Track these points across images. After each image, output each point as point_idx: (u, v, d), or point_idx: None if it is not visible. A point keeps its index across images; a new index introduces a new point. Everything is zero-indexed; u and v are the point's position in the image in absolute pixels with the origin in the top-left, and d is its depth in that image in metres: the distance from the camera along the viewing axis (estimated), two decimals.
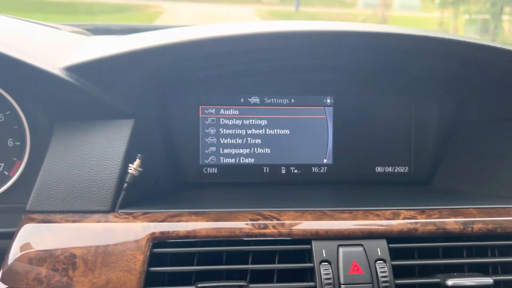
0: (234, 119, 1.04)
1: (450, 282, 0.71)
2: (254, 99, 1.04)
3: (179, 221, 0.72)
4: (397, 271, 0.71)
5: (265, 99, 1.04)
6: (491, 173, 0.94)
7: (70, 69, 0.76)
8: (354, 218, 0.75)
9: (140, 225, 0.71)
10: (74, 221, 0.72)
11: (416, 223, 0.75)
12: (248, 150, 1.04)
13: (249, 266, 0.71)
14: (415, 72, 0.98)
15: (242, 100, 1.04)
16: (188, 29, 0.80)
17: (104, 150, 0.78)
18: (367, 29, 0.77)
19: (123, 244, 0.69)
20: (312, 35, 0.78)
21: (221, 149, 1.04)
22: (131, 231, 0.70)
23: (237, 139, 1.04)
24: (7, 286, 0.67)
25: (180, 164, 1.02)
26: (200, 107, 1.03)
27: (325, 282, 0.68)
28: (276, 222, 0.73)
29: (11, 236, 0.72)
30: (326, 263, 0.70)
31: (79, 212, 0.74)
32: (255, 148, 1.05)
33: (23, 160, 0.85)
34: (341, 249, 0.72)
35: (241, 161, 1.04)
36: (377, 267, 0.70)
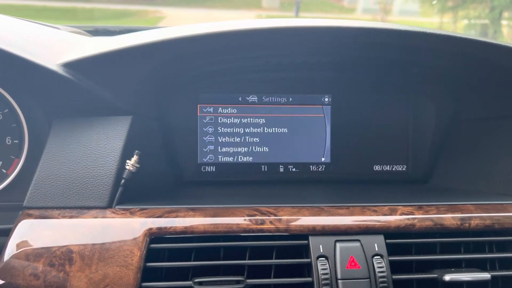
0: (232, 118, 1.04)
1: (447, 277, 0.71)
2: (252, 98, 1.04)
3: (176, 216, 0.72)
4: (395, 267, 0.71)
5: (263, 97, 1.05)
6: (489, 171, 0.94)
7: (68, 66, 0.76)
8: (351, 214, 0.75)
9: (137, 221, 0.71)
10: (71, 217, 0.72)
11: (414, 219, 0.75)
12: (246, 149, 1.05)
13: (247, 261, 0.71)
14: (411, 69, 0.98)
15: (240, 98, 1.04)
16: (186, 27, 0.81)
17: (102, 146, 0.78)
18: (364, 25, 0.77)
19: (120, 239, 0.69)
20: (310, 30, 0.78)
21: (219, 147, 1.04)
22: (129, 227, 0.70)
23: (235, 137, 1.04)
24: (4, 281, 0.67)
25: (178, 162, 1.02)
26: (198, 105, 1.03)
27: (322, 277, 0.68)
28: (274, 217, 0.73)
29: (8, 233, 0.72)
30: (323, 259, 0.70)
31: (76, 208, 0.74)
32: (253, 147, 1.05)
33: (21, 158, 0.86)
34: (338, 245, 0.72)
35: (239, 160, 1.05)
36: (374, 262, 0.70)
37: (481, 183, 0.95)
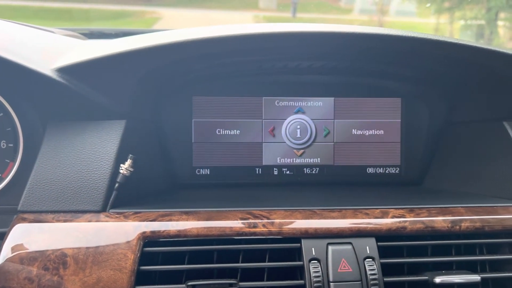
0: (228, 121, 1.05)
1: (438, 279, 0.71)
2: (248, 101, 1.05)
3: (170, 220, 0.73)
4: (386, 269, 0.72)
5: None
6: (481, 173, 0.95)
7: (62, 70, 0.77)
8: (344, 217, 0.76)
9: (131, 224, 0.72)
10: (65, 221, 0.72)
11: (405, 221, 0.76)
12: (241, 152, 1.05)
13: (240, 264, 0.71)
14: (405, 73, 0.99)
15: (236, 101, 1.05)
16: (181, 31, 0.81)
17: (96, 150, 0.78)
18: (357, 30, 0.78)
19: (114, 243, 0.70)
20: (304, 36, 0.79)
21: (214, 150, 1.04)
22: (122, 230, 0.71)
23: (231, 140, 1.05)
24: None
25: (173, 165, 1.02)
26: (193, 108, 1.03)
27: (314, 280, 0.69)
28: (266, 221, 0.74)
29: (2, 237, 0.72)
30: (316, 261, 0.71)
31: (70, 212, 0.74)
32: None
33: (15, 161, 0.86)
34: (330, 248, 0.72)
35: (234, 163, 1.05)
36: (366, 265, 0.71)
37: (472, 185, 0.96)
